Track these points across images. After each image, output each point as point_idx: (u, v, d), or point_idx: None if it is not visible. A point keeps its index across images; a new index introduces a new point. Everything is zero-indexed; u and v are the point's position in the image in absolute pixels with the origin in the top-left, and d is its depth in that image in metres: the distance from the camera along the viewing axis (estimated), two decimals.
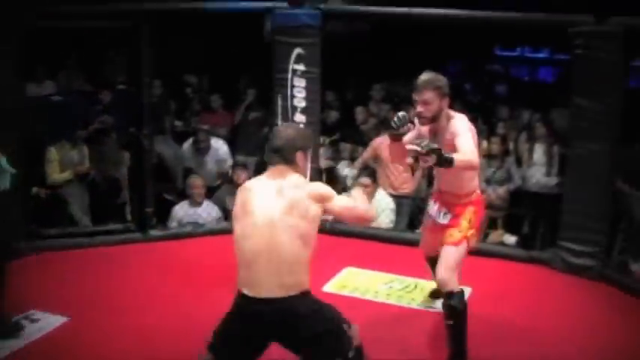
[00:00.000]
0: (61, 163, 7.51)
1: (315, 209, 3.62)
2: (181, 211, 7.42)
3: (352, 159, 8.54)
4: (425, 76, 4.49)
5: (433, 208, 4.95)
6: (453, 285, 4.59)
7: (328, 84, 7.95)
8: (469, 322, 5.13)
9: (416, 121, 4.63)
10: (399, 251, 6.70)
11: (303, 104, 6.97)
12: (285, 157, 3.72)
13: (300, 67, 6.91)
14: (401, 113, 4.49)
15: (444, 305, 4.61)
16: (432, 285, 5.78)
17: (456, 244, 4.67)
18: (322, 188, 3.76)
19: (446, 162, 4.09)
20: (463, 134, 4.40)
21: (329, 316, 3.67)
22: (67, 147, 7.57)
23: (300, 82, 6.91)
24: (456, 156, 4.17)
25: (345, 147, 8.92)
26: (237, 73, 10.98)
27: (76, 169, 7.57)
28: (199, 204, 7.35)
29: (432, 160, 4.02)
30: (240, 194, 3.75)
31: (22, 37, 6.31)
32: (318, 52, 6.94)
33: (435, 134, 4.60)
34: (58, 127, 7.78)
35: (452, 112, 4.60)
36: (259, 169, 6.36)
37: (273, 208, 3.58)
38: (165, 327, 5.07)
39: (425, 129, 4.68)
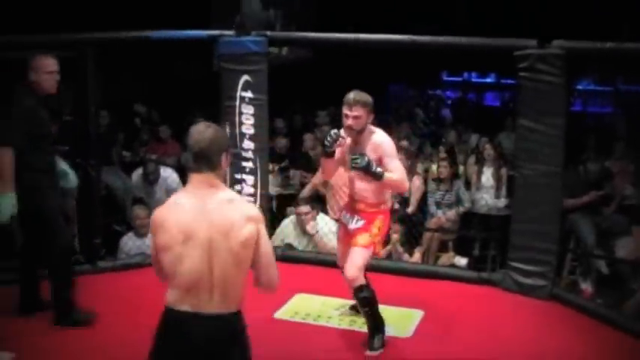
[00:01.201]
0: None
1: (250, 230, 3.32)
2: (129, 242, 7.33)
3: (302, 185, 8.54)
4: (356, 94, 5.05)
5: (346, 216, 5.38)
6: (361, 280, 5.14)
7: (276, 111, 7.95)
8: (421, 343, 5.19)
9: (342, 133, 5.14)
10: None
11: (251, 131, 6.95)
12: (212, 161, 3.36)
13: (248, 94, 6.90)
14: (333, 132, 5.09)
15: (358, 298, 5.16)
16: (384, 309, 5.78)
17: (365, 246, 5.16)
18: (254, 210, 3.44)
19: (375, 175, 4.95)
20: (393, 157, 5.12)
21: (248, 346, 3.49)
22: None
23: (248, 109, 6.89)
24: (387, 174, 4.97)
25: (295, 173, 8.94)
26: (186, 103, 10.98)
27: None
28: (145, 235, 7.25)
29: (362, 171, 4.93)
30: (166, 211, 3.35)
31: None
32: (265, 79, 6.94)
33: (356, 144, 5.13)
34: None
35: (372, 127, 5.17)
36: None
37: (211, 224, 3.29)
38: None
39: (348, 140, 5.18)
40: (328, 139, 5.08)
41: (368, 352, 5.12)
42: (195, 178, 3.39)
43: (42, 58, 5.33)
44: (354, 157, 4.93)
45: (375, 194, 5.22)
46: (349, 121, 5.02)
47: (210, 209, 3.32)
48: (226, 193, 3.43)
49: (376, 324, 5.21)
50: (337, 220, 7.52)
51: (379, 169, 4.95)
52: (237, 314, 3.40)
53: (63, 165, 5.87)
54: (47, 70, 5.32)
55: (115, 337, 5.28)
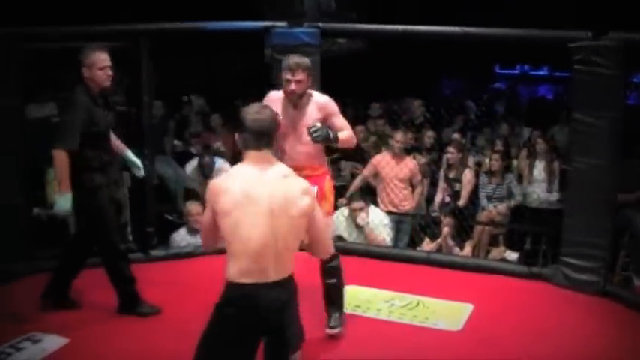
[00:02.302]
0: None
1: (307, 202, 3.52)
2: (178, 237, 7.38)
3: (353, 177, 8.54)
4: (298, 59, 5.02)
5: None
6: (331, 249, 4.79)
7: None
8: (471, 337, 5.16)
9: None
10: (400, 268, 6.69)
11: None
12: (271, 139, 3.56)
13: None
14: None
15: (327, 268, 5.03)
16: (434, 302, 5.79)
17: (329, 214, 5.19)
18: (308, 185, 3.63)
19: (333, 141, 4.96)
20: (338, 114, 5.13)
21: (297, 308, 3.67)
22: None
23: None
24: (340, 135, 4.98)
25: (346, 165, 8.94)
26: (237, 93, 11.03)
27: None
28: (197, 230, 7.28)
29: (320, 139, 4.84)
30: (228, 179, 3.52)
31: (23, 58, 6.32)
32: (317, 71, 6.93)
33: (296, 108, 5.09)
34: None
35: (309, 90, 5.16)
36: None
37: (274, 194, 3.44)
38: (167, 348, 5.05)
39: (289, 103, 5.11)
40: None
41: (329, 331, 5.10)
42: (252, 155, 3.53)
43: (94, 53, 5.34)
44: (313, 130, 4.83)
45: (318, 156, 5.19)
46: (292, 86, 4.98)
47: (270, 180, 3.48)
48: (282, 167, 3.60)
49: (341, 302, 5.19)
50: (389, 213, 7.55)
51: (334, 134, 4.94)
52: (291, 278, 3.56)
53: (131, 155, 5.96)
54: (100, 65, 5.34)
55: (168, 325, 5.34)
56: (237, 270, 3.44)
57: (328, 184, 5.23)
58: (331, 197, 5.28)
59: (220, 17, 7.03)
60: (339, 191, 8.08)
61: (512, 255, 7.63)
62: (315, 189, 4.67)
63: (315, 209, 3.61)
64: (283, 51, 6.86)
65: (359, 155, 8.82)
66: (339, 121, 5.09)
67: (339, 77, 8.61)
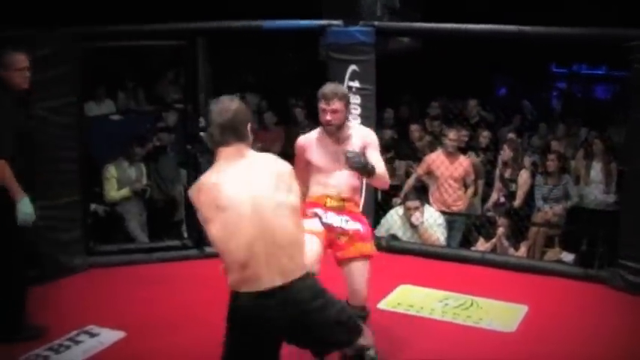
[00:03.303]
0: (119, 181, 7.64)
1: (295, 184, 3.36)
2: None
3: (407, 176, 8.52)
4: (333, 87, 4.62)
5: (326, 215, 4.63)
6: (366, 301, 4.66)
7: (383, 102, 7.94)
8: (524, 338, 5.12)
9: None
10: (454, 268, 6.67)
11: (358, 121, 6.97)
12: (241, 132, 3.32)
13: (355, 84, 6.92)
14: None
15: (362, 318, 4.46)
16: (488, 303, 5.75)
17: (371, 256, 4.65)
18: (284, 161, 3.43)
19: (369, 173, 4.42)
20: (377, 149, 4.70)
21: (336, 303, 3.44)
22: (125, 165, 7.70)
23: (355, 99, 6.90)
24: (378, 170, 4.47)
25: (400, 164, 8.92)
26: (289, 91, 11.09)
27: (134, 186, 7.69)
28: None
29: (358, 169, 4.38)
30: (205, 193, 3.27)
31: (82, 57, 6.43)
32: (373, 69, 6.95)
33: (338, 142, 4.62)
34: (116, 146, 7.92)
35: (350, 122, 4.80)
36: None
37: (253, 189, 3.24)
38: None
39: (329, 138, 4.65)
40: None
41: None
42: (224, 152, 3.33)
43: (12, 54, 5.04)
44: (351, 154, 4.34)
45: (359, 192, 4.83)
46: (327, 116, 4.52)
47: (245, 174, 3.28)
48: (258, 154, 3.42)
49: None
50: (442, 212, 7.51)
51: (372, 165, 4.44)
52: (302, 279, 3.33)
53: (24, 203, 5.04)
54: (18, 66, 5.03)
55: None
56: (233, 280, 3.28)
57: (366, 221, 4.80)
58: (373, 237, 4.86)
59: (278, 16, 7.06)
60: (394, 190, 8.08)
61: (568, 257, 7.53)
62: (360, 226, 4.63)
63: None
64: (338, 50, 6.90)
65: (413, 154, 8.80)
66: (376, 155, 4.63)
67: (394, 75, 8.61)
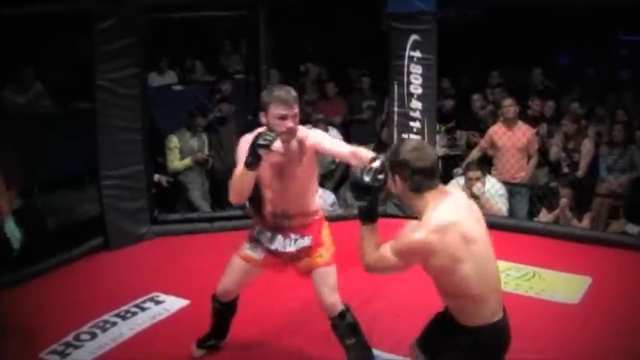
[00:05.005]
0: (181, 151, 7.72)
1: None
2: None
3: (468, 146, 8.46)
4: (289, 91, 4.05)
5: (274, 239, 4.34)
6: (341, 304, 4.33)
7: (443, 71, 7.88)
8: (588, 310, 5.06)
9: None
10: (516, 239, 6.61)
11: (419, 91, 6.95)
12: (438, 174, 3.25)
13: (417, 54, 6.89)
14: (269, 132, 3.92)
15: (343, 326, 4.32)
16: (551, 274, 5.70)
17: (329, 263, 4.30)
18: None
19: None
20: (325, 136, 4.26)
21: None
22: (187, 135, 7.77)
23: (416, 69, 6.88)
24: (349, 148, 4.03)
25: (462, 134, 8.85)
26: (350, 61, 11.04)
27: (196, 156, 7.76)
28: None
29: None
30: (450, 230, 3.09)
31: (144, 28, 6.49)
32: (434, 39, 6.90)
33: (286, 152, 4.14)
34: (178, 116, 7.99)
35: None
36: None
37: (480, 230, 3.24)
38: (285, 312, 5.15)
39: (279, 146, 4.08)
40: (267, 138, 3.86)
41: None
42: (434, 194, 3.19)
43: None
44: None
45: (312, 197, 4.36)
46: (290, 123, 3.99)
47: (464, 210, 3.25)
48: (453, 191, 3.42)
49: (366, 355, 4.46)
50: (505, 183, 7.44)
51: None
52: None
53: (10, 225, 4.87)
54: None
55: (284, 289, 5.43)
56: (488, 313, 3.23)
57: (326, 229, 4.41)
58: (331, 245, 4.38)
59: None
60: (455, 161, 8.03)
61: (634, 228, 7.40)
62: (307, 240, 4.29)
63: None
64: (401, 19, 6.85)
65: (475, 124, 8.72)
66: (330, 142, 4.20)
67: (454, 46, 8.53)
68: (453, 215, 3.13)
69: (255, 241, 4.39)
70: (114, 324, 5.07)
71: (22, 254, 5.03)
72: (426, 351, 3.45)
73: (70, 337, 4.88)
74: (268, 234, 4.34)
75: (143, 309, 5.31)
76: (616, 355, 4.60)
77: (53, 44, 8.13)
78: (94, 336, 4.91)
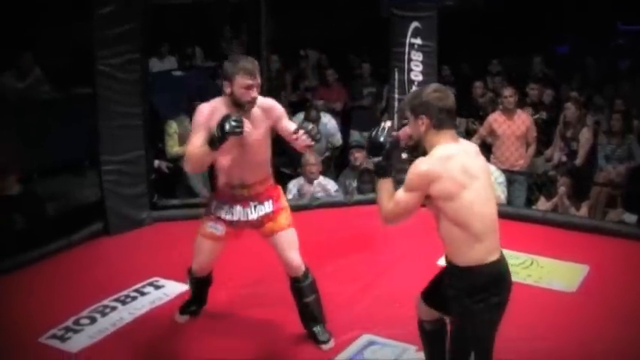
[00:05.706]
0: (181, 137, 7.71)
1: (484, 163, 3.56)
2: (296, 187, 7.47)
3: (467, 133, 8.47)
4: (253, 61, 4.18)
5: (233, 210, 4.45)
6: (304, 264, 4.55)
7: (443, 59, 7.88)
8: (585, 298, 5.08)
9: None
10: (515, 227, 6.60)
11: (420, 78, 6.95)
12: (455, 119, 3.49)
13: (417, 41, 6.90)
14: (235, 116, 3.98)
15: (305, 286, 4.55)
16: (548, 262, 5.72)
17: (291, 225, 4.51)
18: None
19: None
20: (286, 116, 4.44)
21: None
22: (187, 121, 7.76)
23: (417, 56, 6.89)
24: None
25: (461, 121, 8.87)
26: (350, 48, 11.04)
27: None
28: (312, 181, 7.36)
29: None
30: (453, 160, 3.30)
31: (144, 14, 6.48)
32: (435, 26, 6.90)
33: (244, 117, 4.11)
34: (178, 102, 7.99)
35: None
36: None
37: (483, 172, 3.44)
38: (288, 297, 5.17)
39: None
40: (236, 124, 3.93)
41: (324, 347, 4.61)
42: (449, 134, 3.39)
43: None
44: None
45: (268, 165, 4.51)
46: (253, 93, 4.14)
47: (472, 153, 3.50)
48: (464, 142, 3.58)
49: (322, 315, 4.69)
50: (503, 171, 7.44)
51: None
52: None
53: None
54: None
55: None
56: (483, 251, 3.36)
57: (281, 192, 4.60)
58: (288, 207, 4.59)
59: None
60: None
61: (631, 217, 7.42)
62: (268, 206, 4.45)
63: None
64: (402, 6, 6.86)
65: (475, 111, 8.74)
66: (290, 123, 4.39)
67: (454, 33, 8.53)
68: (455, 151, 3.36)
69: (215, 217, 4.51)
70: (114, 309, 5.08)
71: (22, 239, 5.06)
72: (427, 299, 3.74)
73: (69, 322, 4.89)
74: (226, 207, 4.47)
75: (143, 294, 5.32)
76: (613, 343, 4.60)
77: (53, 29, 8.12)
78: (93, 320, 4.92)
